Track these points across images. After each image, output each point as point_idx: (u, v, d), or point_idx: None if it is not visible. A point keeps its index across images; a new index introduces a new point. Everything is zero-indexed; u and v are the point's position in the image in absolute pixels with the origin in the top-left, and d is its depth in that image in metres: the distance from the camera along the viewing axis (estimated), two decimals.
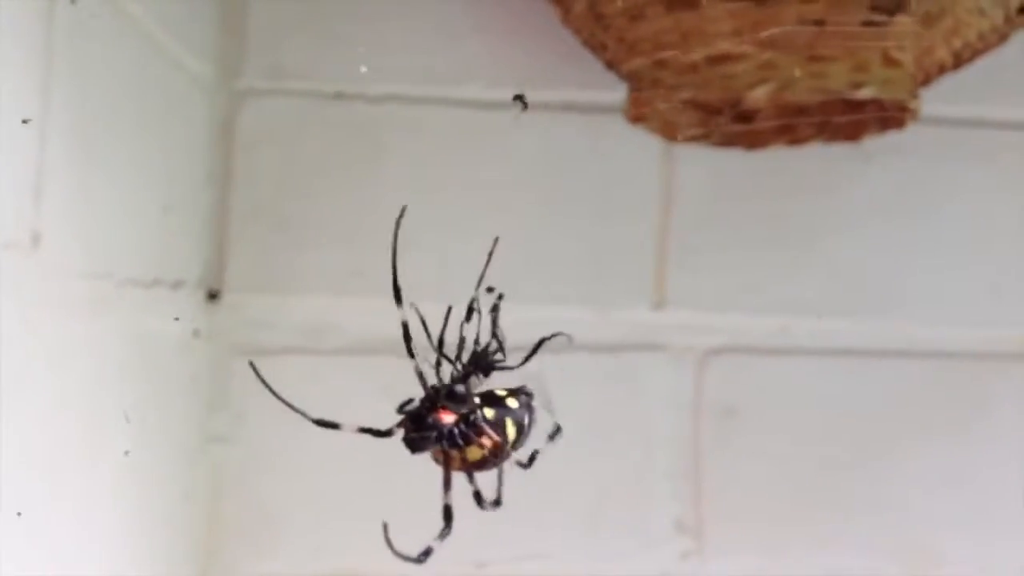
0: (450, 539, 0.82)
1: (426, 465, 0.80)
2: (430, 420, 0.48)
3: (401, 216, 0.50)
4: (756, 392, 0.81)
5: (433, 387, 0.49)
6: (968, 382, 0.81)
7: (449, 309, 0.50)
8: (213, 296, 0.78)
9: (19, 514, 0.55)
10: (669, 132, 0.74)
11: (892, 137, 0.75)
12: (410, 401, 0.49)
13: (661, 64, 0.68)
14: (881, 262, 0.82)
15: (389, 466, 0.71)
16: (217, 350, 0.78)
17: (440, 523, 0.50)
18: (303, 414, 0.48)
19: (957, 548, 0.80)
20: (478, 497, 0.49)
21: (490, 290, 0.51)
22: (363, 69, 0.71)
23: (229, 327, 0.78)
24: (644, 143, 0.77)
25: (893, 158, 0.80)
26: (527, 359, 0.52)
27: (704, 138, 0.75)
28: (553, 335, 0.52)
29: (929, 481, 0.80)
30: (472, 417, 0.48)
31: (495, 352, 0.51)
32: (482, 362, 0.51)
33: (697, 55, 0.66)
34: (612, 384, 0.81)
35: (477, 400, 0.50)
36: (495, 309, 0.51)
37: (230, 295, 0.79)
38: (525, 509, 0.81)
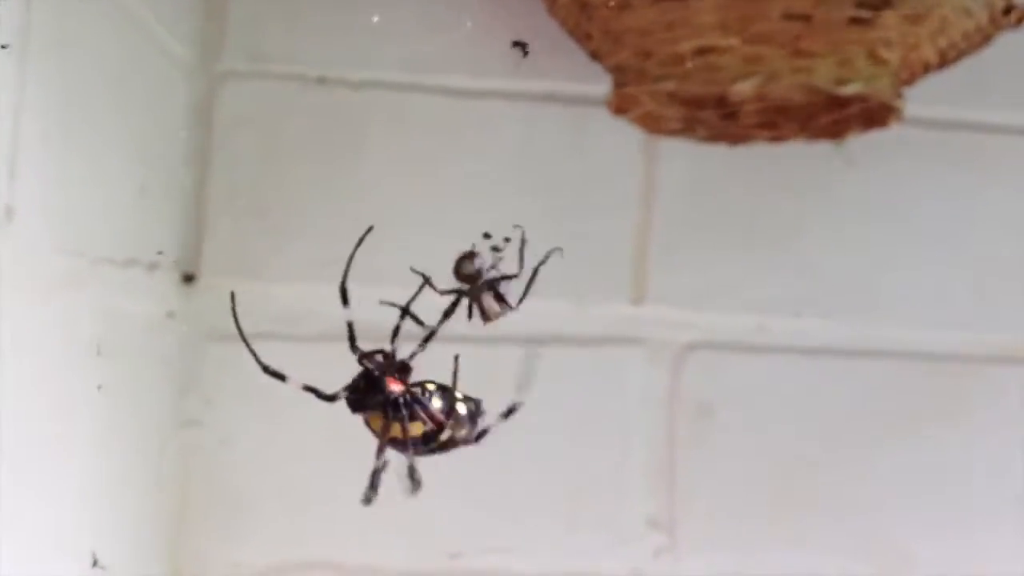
0: (424, 530, 0.82)
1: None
2: (379, 384, 0.48)
3: (364, 236, 0.50)
4: (732, 389, 0.81)
5: (388, 353, 0.49)
6: (945, 384, 0.81)
7: (426, 280, 0.50)
8: (188, 279, 0.77)
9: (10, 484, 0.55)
10: (652, 125, 0.74)
11: (875, 137, 0.75)
12: (367, 355, 0.49)
13: (646, 55, 0.68)
14: (861, 262, 0.82)
15: (361, 454, 0.70)
16: (191, 333, 0.77)
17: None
18: (255, 357, 0.48)
19: (930, 549, 0.80)
20: (412, 472, 0.49)
21: (507, 240, 0.51)
22: (374, 19, 0.70)
23: (204, 311, 0.78)
24: (627, 136, 0.77)
25: (875, 158, 0.81)
26: (525, 293, 0.52)
27: (688, 132, 0.75)
28: (546, 256, 0.52)
29: (903, 482, 0.81)
30: (420, 394, 0.48)
31: (493, 285, 0.51)
32: (475, 290, 0.51)
33: (682, 47, 0.66)
34: (589, 378, 0.81)
35: (431, 386, 0.49)
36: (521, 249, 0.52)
37: (205, 278, 0.78)
38: (499, 501, 0.81)
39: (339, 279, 0.77)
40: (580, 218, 0.81)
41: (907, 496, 0.80)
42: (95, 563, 0.58)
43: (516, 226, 0.52)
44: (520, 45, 0.56)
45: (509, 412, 0.52)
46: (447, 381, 0.52)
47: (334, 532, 0.79)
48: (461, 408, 0.50)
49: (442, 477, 0.80)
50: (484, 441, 0.79)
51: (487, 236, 0.52)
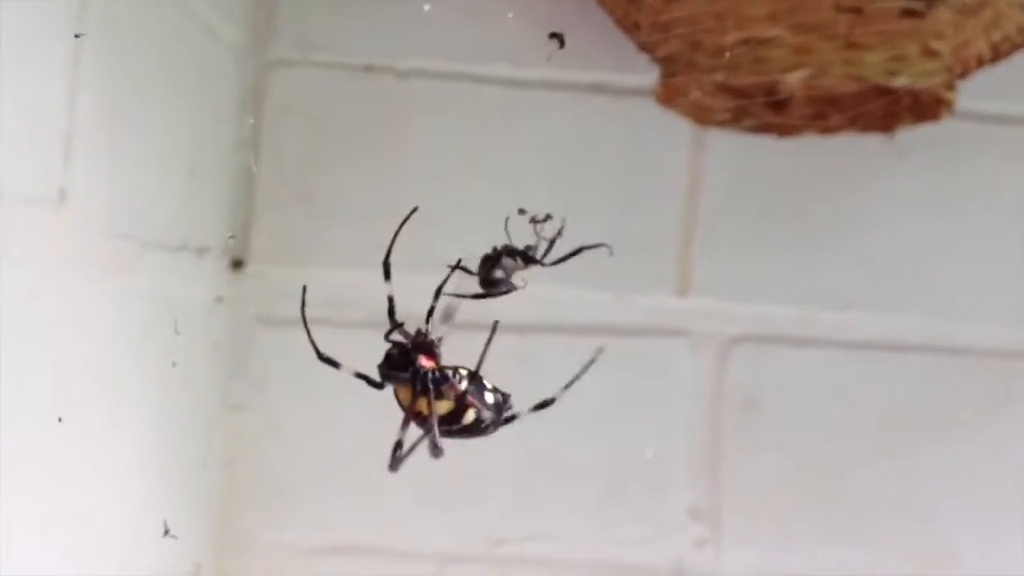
0: (465, 516, 0.82)
1: (450, 440, 0.80)
2: (411, 357, 0.48)
3: (410, 215, 0.50)
4: (777, 382, 0.81)
5: (422, 332, 0.49)
6: (992, 380, 0.80)
7: (458, 261, 0.51)
8: (237, 264, 0.78)
9: (42, 470, 0.56)
10: (700, 116, 0.74)
11: (926, 130, 0.74)
12: (399, 326, 0.49)
13: (695, 46, 0.68)
14: (909, 256, 0.81)
15: (412, 438, 0.70)
16: (239, 318, 0.78)
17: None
18: (314, 345, 0.49)
19: (973, 546, 0.79)
20: (434, 447, 0.49)
21: (549, 217, 0.52)
22: (426, 8, 0.70)
23: (252, 296, 0.78)
24: (674, 127, 0.77)
25: (927, 152, 0.80)
26: (561, 260, 0.52)
27: (735, 123, 0.74)
28: (594, 245, 0.52)
29: (948, 478, 0.80)
30: (450, 374, 0.49)
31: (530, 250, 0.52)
32: (515, 250, 0.51)
33: (731, 38, 0.66)
34: (633, 369, 0.81)
35: (463, 371, 0.50)
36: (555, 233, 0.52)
37: (254, 264, 0.79)
38: (542, 489, 0.81)
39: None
40: (625, 209, 0.80)
41: (951, 492, 0.80)
42: (166, 532, 0.59)
43: (548, 216, 0.52)
44: (556, 36, 0.55)
45: (542, 405, 0.52)
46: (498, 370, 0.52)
47: (377, 516, 0.79)
48: (489, 397, 0.50)
49: (485, 464, 0.80)
50: (525, 430, 0.80)
51: (522, 212, 0.52)
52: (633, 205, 0.80)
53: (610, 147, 0.80)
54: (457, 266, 0.51)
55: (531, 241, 0.51)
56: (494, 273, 0.51)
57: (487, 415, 0.50)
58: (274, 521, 0.80)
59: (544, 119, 0.80)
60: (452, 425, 0.49)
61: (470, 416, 0.50)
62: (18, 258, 0.54)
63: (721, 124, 0.74)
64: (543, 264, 0.51)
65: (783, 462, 0.80)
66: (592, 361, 0.52)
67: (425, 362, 0.48)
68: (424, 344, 0.49)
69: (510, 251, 0.51)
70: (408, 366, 0.48)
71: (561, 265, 0.80)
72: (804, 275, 0.81)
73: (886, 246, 0.81)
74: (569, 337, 0.80)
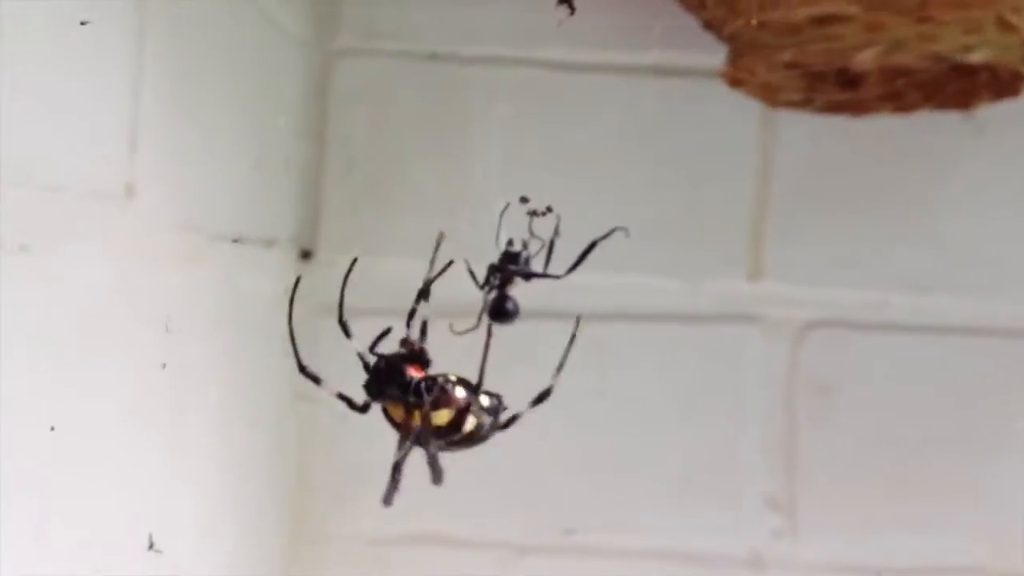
0: (538, 505, 0.82)
1: (522, 429, 0.80)
2: (399, 370, 0.46)
3: (439, 242, 0.49)
4: (853, 368, 0.79)
5: (408, 342, 0.47)
6: None
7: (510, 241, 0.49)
8: (305, 255, 0.79)
9: (115, 463, 0.56)
10: (769, 97, 0.73)
11: (1006, 107, 0.72)
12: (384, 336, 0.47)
13: (763, 25, 0.66)
14: (987, 238, 0.79)
15: None
16: (308, 309, 0.78)
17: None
18: (297, 358, 0.47)
19: None
20: (433, 463, 0.47)
21: (549, 210, 0.49)
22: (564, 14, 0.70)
23: (320, 287, 0.78)
24: (743, 108, 0.76)
25: (1006, 129, 0.77)
26: (574, 267, 0.50)
27: (806, 103, 0.73)
28: (606, 235, 0.50)
29: None
30: (441, 381, 0.46)
31: (536, 256, 0.49)
32: (520, 264, 0.49)
33: (801, 15, 0.64)
34: (704, 356, 0.80)
35: (453, 377, 0.48)
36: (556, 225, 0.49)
37: (322, 254, 0.80)
38: (614, 478, 0.81)
39: (452, 255, 0.78)
40: (695, 192, 0.80)
41: None
42: (151, 546, 0.60)
43: (549, 208, 0.49)
44: (566, 2, 0.54)
45: (540, 399, 0.50)
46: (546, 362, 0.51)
47: (448, 505, 0.79)
48: (484, 400, 0.48)
49: (558, 453, 0.80)
50: (596, 418, 0.79)
51: (524, 200, 0.50)
52: (701, 189, 0.80)
53: (677, 130, 0.79)
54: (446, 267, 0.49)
55: (522, 235, 0.49)
56: (506, 305, 0.49)
57: (487, 419, 0.48)
58: (347, 512, 0.80)
59: (609, 103, 0.79)
60: (452, 436, 0.47)
61: (470, 424, 0.48)
62: (86, 253, 0.54)
63: (791, 104, 0.73)
64: (557, 277, 0.49)
65: (860, 449, 0.79)
66: (574, 337, 0.49)
67: (414, 373, 0.46)
68: (412, 354, 0.46)
69: (515, 273, 0.48)
70: (395, 379, 0.46)
71: (627, 252, 0.80)
72: (878, 258, 0.79)
73: (963, 227, 0.79)
74: (636, 325, 0.80)
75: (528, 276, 0.49)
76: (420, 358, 0.46)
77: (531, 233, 0.49)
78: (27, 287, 0.50)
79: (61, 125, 0.53)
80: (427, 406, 0.45)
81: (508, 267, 0.48)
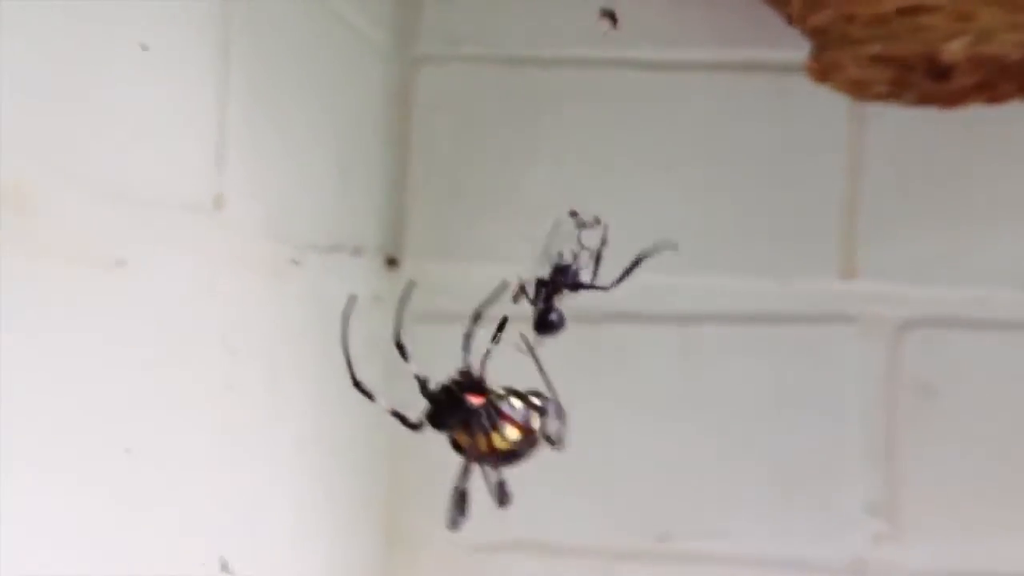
0: (633, 512, 0.81)
1: (615, 435, 0.79)
2: (458, 399, 0.46)
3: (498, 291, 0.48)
4: (954, 367, 0.77)
5: (463, 371, 0.47)
6: None
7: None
8: (392, 262, 0.79)
9: (210, 469, 0.57)
10: (858, 91, 0.71)
11: None
12: (426, 383, 0.48)
13: (848, 18, 0.65)
14: None
15: (576, 434, 0.70)
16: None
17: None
18: (351, 371, 0.47)
19: None
20: (501, 489, 0.47)
21: (597, 221, 0.49)
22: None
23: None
24: (831, 103, 0.74)
25: None
26: (621, 279, 0.49)
27: (896, 96, 0.71)
28: (653, 250, 0.50)
29: None
30: (500, 404, 0.46)
31: (586, 269, 0.49)
32: (569, 276, 0.49)
33: (887, 6, 0.63)
34: (798, 358, 0.78)
35: (502, 391, 0.48)
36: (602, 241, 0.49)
37: (409, 261, 0.80)
38: (709, 484, 0.80)
39: (538, 258, 0.78)
40: (784, 190, 0.78)
41: None
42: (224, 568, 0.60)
43: (597, 220, 0.49)
44: (608, 14, 0.53)
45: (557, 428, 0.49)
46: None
47: (543, 512, 0.79)
48: (537, 403, 0.48)
49: (653, 459, 0.79)
50: (691, 423, 0.78)
51: (573, 214, 0.50)
52: (791, 186, 0.78)
53: (764, 127, 0.78)
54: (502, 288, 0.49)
55: (572, 248, 0.49)
56: (549, 318, 0.49)
57: (553, 427, 0.47)
58: (441, 518, 0.80)
59: (694, 101, 0.79)
60: (520, 455, 0.47)
61: (536, 435, 0.47)
62: (178, 265, 0.55)
63: (880, 97, 0.72)
64: (604, 289, 0.48)
65: (963, 451, 0.77)
66: (533, 348, 0.48)
67: (474, 399, 0.46)
68: (470, 382, 0.47)
69: (562, 285, 0.48)
70: (457, 408, 0.46)
71: (716, 253, 0.79)
72: (978, 253, 0.77)
73: None
74: (728, 327, 0.79)
75: (575, 288, 0.49)
76: (477, 384, 0.46)
77: (580, 245, 0.49)
78: (124, 300, 0.52)
79: (152, 141, 0.54)
80: (489, 432, 0.45)
81: (556, 280, 0.48)
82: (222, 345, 0.58)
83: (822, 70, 0.69)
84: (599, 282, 0.49)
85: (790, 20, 0.69)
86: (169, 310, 0.54)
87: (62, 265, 0.49)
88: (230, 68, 0.58)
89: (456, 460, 0.80)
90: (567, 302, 0.51)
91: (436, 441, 0.79)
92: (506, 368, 0.50)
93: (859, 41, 0.66)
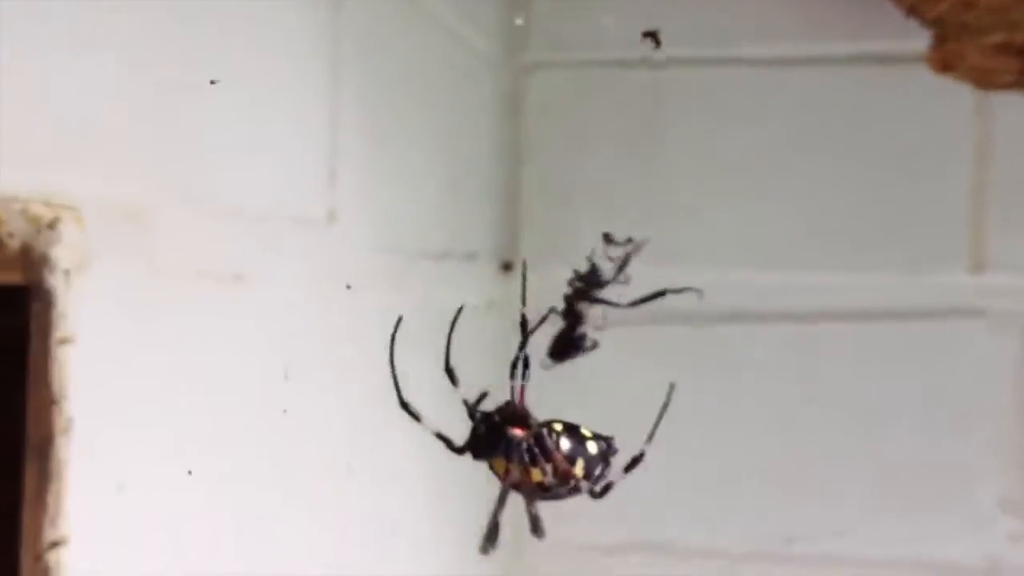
0: (756, 513, 0.80)
1: (734, 437, 0.78)
2: (502, 430, 0.46)
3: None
4: None
5: (508, 403, 0.47)
6: None
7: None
8: (507, 267, 0.79)
9: (348, 471, 0.58)
10: (981, 80, 0.69)
11: None
12: (481, 400, 0.47)
13: (969, 5, 0.63)
14: None
15: (685, 435, 0.69)
16: (511, 322, 0.79)
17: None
18: (398, 391, 0.47)
19: None
20: (535, 523, 0.46)
21: (630, 240, 0.48)
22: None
23: (515, 297, 0.79)
24: (954, 94, 0.72)
25: None
26: (640, 302, 0.48)
27: (1022, 85, 0.69)
28: (679, 290, 0.48)
29: None
30: (546, 435, 0.46)
31: (608, 283, 0.48)
32: (592, 287, 0.48)
33: None
34: (924, 353, 0.76)
35: (558, 426, 0.47)
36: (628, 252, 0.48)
37: (524, 265, 0.80)
38: (836, 484, 0.78)
39: (653, 261, 0.77)
40: (909, 183, 0.76)
41: None
42: None
43: (630, 239, 0.48)
44: (651, 35, 0.52)
45: (633, 463, 0.49)
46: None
47: (663, 513, 0.78)
48: (591, 447, 0.47)
49: (778, 459, 0.78)
50: (817, 423, 0.77)
51: (607, 237, 0.49)
52: (916, 180, 0.76)
53: (886, 121, 0.76)
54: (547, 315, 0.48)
55: (608, 265, 0.48)
56: (577, 332, 0.48)
57: (596, 467, 0.47)
58: (563, 518, 0.80)
59: (812, 97, 0.77)
60: (560, 489, 0.47)
61: (579, 472, 0.47)
62: (292, 277, 0.56)
63: (1006, 87, 0.69)
64: (621, 306, 0.47)
65: None
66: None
67: (518, 432, 0.46)
68: (513, 414, 0.46)
69: (582, 293, 0.47)
70: (499, 440, 0.46)
71: (837, 249, 0.77)
72: None
73: None
74: (853, 324, 0.77)
75: (593, 301, 0.48)
76: (522, 417, 0.46)
77: (610, 259, 0.48)
78: (241, 312, 0.53)
79: (266, 159, 0.55)
80: (528, 465, 0.45)
81: (575, 286, 0.47)
82: (334, 356, 0.59)
83: (943, 61, 0.67)
84: (619, 300, 0.48)
85: (908, 11, 0.67)
86: (283, 321, 0.55)
87: (181, 280, 0.50)
88: (341, 85, 0.59)
89: None
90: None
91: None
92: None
93: (980, 30, 0.64)
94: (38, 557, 0.43)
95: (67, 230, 0.44)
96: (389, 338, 0.46)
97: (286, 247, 0.57)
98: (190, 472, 0.50)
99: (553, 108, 0.80)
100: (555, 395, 0.79)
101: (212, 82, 0.46)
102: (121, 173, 0.48)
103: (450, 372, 0.45)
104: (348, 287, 0.58)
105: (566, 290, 0.47)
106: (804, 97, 0.77)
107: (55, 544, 0.43)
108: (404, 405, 0.46)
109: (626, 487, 0.79)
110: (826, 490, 0.77)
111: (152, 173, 0.49)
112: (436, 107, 0.70)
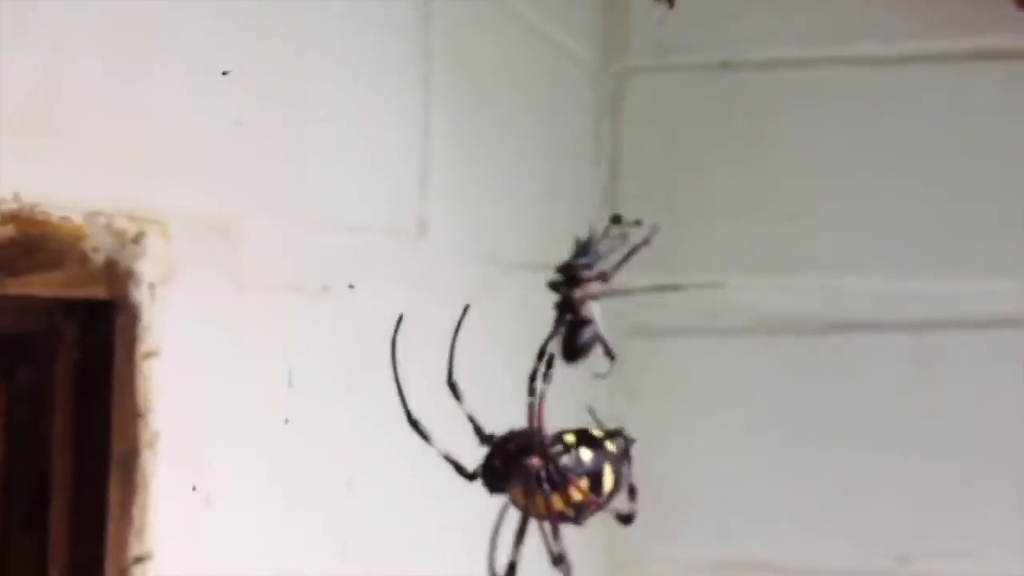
0: (871, 532, 0.77)
1: (848, 452, 0.75)
2: (516, 460, 0.43)
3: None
4: None
5: (528, 432, 0.44)
6: None
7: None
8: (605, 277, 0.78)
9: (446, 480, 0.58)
10: None
11: None
12: (490, 438, 0.45)
13: None
14: None
15: (794, 448, 0.68)
16: (611, 329, 0.78)
17: None
18: (405, 408, 0.45)
19: None
20: (559, 560, 0.44)
21: (638, 223, 0.46)
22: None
23: (622, 307, 0.78)
24: None
25: None
26: (618, 266, 0.46)
27: None
28: (699, 285, 0.46)
29: None
30: (562, 452, 0.43)
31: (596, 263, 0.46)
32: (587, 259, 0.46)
33: None
34: None
35: (570, 438, 0.44)
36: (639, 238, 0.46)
37: (623, 275, 0.78)
38: (952, 500, 0.75)
39: (756, 269, 0.75)
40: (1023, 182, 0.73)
41: None
42: None
43: (638, 221, 0.46)
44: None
45: (626, 519, 0.46)
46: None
47: (771, 532, 0.76)
48: (611, 447, 0.45)
49: (889, 474, 0.75)
50: (931, 437, 0.74)
51: (616, 219, 0.47)
52: None
53: (1000, 116, 0.73)
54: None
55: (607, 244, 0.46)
56: (580, 337, 0.45)
57: (623, 467, 0.44)
58: (664, 535, 0.79)
59: (922, 95, 0.74)
60: (581, 519, 0.45)
61: (608, 482, 0.45)
62: (381, 289, 0.56)
63: None
64: (604, 275, 0.45)
65: None
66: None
67: (533, 460, 0.44)
68: (528, 445, 0.44)
69: (573, 279, 0.45)
70: (514, 470, 0.44)
71: (951, 253, 0.74)
72: None
73: None
74: (969, 333, 0.74)
75: (583, 277, 0.46)
76: (537, 444, 0.44)
77: (615, 241, 0.46)
78: (328, 325, 0.53)
79: (356, 171, 0.55)
80: (549, 493, 0.43)
81: (572, 275, 0.46)
82: (427, 366, 0.59)
83: None
84: (610, 274, 0.46)
85: (1018, 3, 0.64)
86: (372, 332, 0.55)
87: (267, 292, 0.50)
88: (432, 95, 0.59)
89: (681, 477, 0.78)
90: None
91: (660, 461, 0.78)
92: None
93: None
94: (123, 572, 0.43)
95: (152, 244, 0.44)
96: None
97: (375, 258, 0.56)
98: (277, 484, 0.49)
99: (653, 113, 0.79)
100: (666, 410, 0.78)
101: (224, 73, 0.46)
102: (208, 186, 0.48)
103: (452, 386, 0.43)
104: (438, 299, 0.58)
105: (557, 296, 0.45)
106: (916, 96, 0.75)
107: (140, 559, 0.43)
108: (412, 422, 0.44)
109: (731, 503, 0.77)
110: (944, 507, 0.74)
111: (239, 186, 0.49)
112: (531, 115, 0.69)
